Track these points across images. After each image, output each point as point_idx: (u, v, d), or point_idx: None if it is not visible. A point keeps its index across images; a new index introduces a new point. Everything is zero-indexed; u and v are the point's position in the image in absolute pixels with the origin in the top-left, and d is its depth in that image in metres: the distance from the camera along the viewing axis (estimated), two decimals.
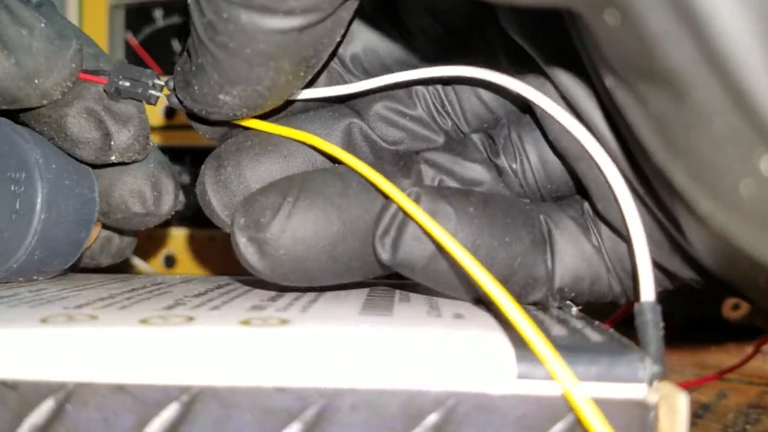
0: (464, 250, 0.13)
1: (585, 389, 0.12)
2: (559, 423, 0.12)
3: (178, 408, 0.12)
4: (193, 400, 0.12)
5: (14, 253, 0.18)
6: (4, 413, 0.12)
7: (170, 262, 0.35)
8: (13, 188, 0.18)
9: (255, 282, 0.20)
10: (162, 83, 0.19)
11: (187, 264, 0.35)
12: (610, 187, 0.14)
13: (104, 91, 0.19)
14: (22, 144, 0.18)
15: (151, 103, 0.19)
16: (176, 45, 0.36)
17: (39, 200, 0.18)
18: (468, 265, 0.12)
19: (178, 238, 0.35)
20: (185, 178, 0.36)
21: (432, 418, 0.12)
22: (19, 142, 0.18)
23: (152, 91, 0.19)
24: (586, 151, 0.15)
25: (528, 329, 0.11)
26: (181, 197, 0.36)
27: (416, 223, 0.15)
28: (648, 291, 0.13)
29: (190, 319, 0.14)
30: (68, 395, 0.12)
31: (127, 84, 0.19)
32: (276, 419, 0.12)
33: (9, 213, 0.18)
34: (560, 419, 0.12)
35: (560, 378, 0.11)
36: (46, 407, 0.12)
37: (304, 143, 0.18)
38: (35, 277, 0.20)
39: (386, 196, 0.16)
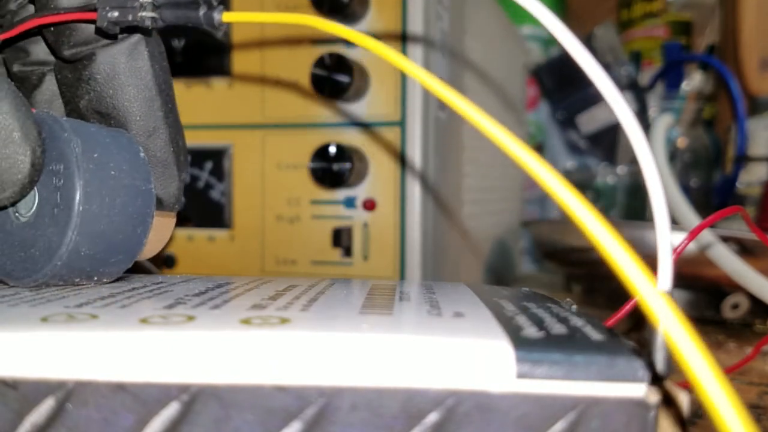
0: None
1: (584, 388, 0.12)
2: (559, 422, 0.12)
3: (178, 407, 0.12)
4: (193, 399, 0.12)
5: (57, 250, 0.18)
6: (5, 412, 0.12)
7: (170, 262, 0.35)
8: (54, 181, 0.18)
9: (255, 281, 0.20)
10: (150, 0, 0.17)
11: (187, 264, 0.35)
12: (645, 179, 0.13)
13: (97, 28, 0.18)
14: (61, 134, 0.18)
15: (146, 27, 0.18)
16: (176, 44, 0.36)
17: (77, 192, 0.17)
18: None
19: (178, 238, 0.35)
20: (186, 178, 0.36)
21: (432, 418, 0.12)
22: (57, 133, 0.18)
23: (144, 13, 0.17)
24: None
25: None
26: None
27: None
28: (664, 280, 0.12)
29: (191, 318, 0.14)
30: (68, 394, 0.12)
31: (116, 14, 0.17)
32: (276, 418, 0.12)
33: (52, 207, 0.18)
34: (561, 418, 0.12)
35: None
36: (46, 406, 0.12)
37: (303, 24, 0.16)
38: (95, 278, 0.19)
39: None
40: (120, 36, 0.19)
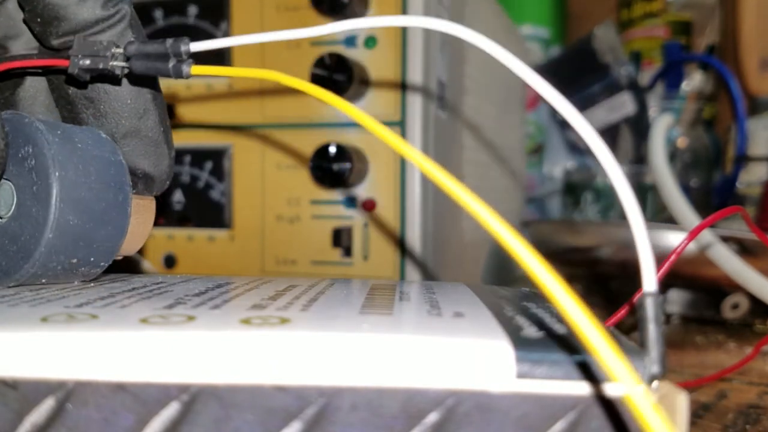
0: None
1: (584, 388, 0.12)
2: (559, 422, 0.12)
3: (178, 407, 0.12)
4: (193, 399, 0.12)
5: (45, 222, 0.18)
6: (5, 412, 0.12)
7: (170, 262, 0.35)
8: (27, 164, 0.18)
9: (255, 281, 0.20)
10: (121, 51, 0.18)
11: (187, 264, 0.35)
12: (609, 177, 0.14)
13: (69, 74, 0.18)
14: (22, 120, 0.19)
15: (116, 76, 0.18)
16: None
17: (50, 161, 0.18)
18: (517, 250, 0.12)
19: (178, 238, 0.35)
20: (185, 179, 0.36)
21: (432, 418, 0.12)
22: (19, 121, 0.19)
23: (115, 63, 0.18)
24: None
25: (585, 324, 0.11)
26: (181, 197, 0.36)
27: None
28: (650, 281, 0.12)
29: (191, 318, 0.14)
30: (68, 394, 0.12)
31: (88, 62, 0.18)
32: (276, 418, 0.12)
33: (30, 187, 0.18)
34: (560, 418, 0.12)
35: (620, 378, 0.10)
36: (46, 406, 0.12)
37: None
38: (91, 258, 0.19)
39: None
40: None
